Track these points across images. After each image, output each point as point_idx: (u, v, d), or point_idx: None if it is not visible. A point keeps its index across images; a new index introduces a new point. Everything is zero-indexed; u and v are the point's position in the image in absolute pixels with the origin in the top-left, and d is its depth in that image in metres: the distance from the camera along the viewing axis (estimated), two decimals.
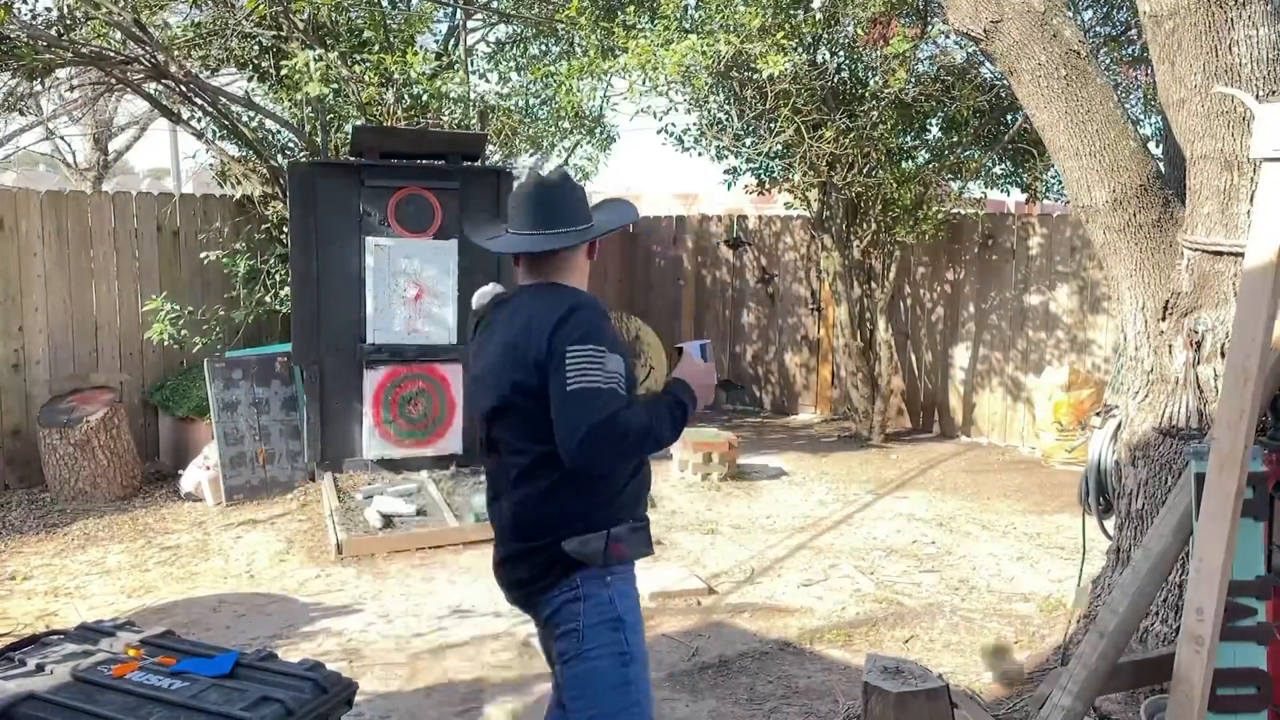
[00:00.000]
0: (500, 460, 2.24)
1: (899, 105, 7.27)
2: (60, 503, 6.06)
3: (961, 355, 8.42)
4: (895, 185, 7.64)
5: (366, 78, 6.62)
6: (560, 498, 2.16)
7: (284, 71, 6.40)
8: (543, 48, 8.55)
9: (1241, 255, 2.85)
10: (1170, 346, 3.34)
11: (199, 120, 7.40)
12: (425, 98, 6.97)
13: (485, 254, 6.60)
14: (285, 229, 6.72)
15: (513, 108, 8.01)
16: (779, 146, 7.49)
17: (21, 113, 8.06)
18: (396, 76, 6.64)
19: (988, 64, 7.04)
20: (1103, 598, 3.66)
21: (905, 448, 7.99)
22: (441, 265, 6.29)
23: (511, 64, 8.31)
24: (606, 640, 2.13)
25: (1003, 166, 8.20)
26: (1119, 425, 3.75)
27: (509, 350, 2.17)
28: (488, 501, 2.33)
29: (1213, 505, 2.51)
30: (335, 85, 6.49)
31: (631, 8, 6.93)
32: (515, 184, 2.13)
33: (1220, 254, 3.17)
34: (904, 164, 7.96)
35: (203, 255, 6.93)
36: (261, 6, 6.58)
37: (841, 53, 7.54)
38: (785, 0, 6.68)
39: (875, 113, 7.18)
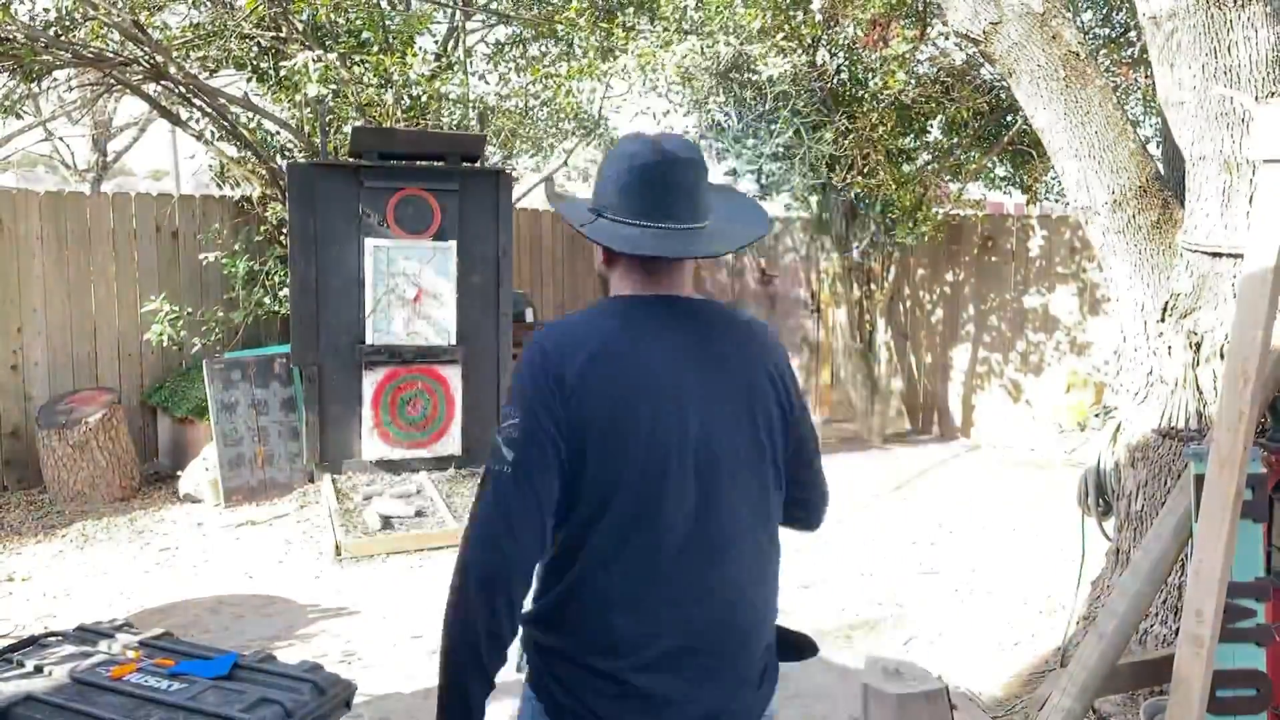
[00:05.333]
0: (746, 532, 1.62)
1: (898, 107, 7.28)
2: (59, 504, 6.05)
3: (961, 357, 8.41)
4: (895, 187, 7.65)
5: (365, 79, 6.62)
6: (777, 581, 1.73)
7: (283, 72, 6.39)
8: (542, 49, 8.55)
9: (1240, 256, 2.85)
10: (1169, 348, 3.34)
11: (198, 121, 7.40)
12: (424, 99, 6.97)
13: (485, 256, 6.63)
14: (284, 230, 6.71)
15: (512, 109, 8.01)
16: (779, 148, 7.49)
17: (19, 116, 8.05)
18: (396, 77, 6.64)
19: (987, 65, 7.04)
20: (1102, 599, 3.66)
21: (905, 449, 7.99)
22: (440, 267, 6.28)
23: (511, 65, 8.31)
24: None
25: (1002, 168, 8.21)
26: (1118, 427, 3.75)
27: (759, 395, 1.64)
28: (695, 600, 1.58)
29: (1212, 507, 2.51)
30: (334, 86, 6.49)
31: (631, 9, 6.93)
32: (635, 150, 1.60)
33: (1219, 255, 3.16)
34: (903, 165, 7.97)
35: (202, 256, 6.92)
36: (260, 7, 6.57)
37: (841, 54, 7.55)
38: (785, 2, 6.68)
39: (875, 114, 7.18)
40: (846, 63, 7.60)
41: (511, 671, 1.62)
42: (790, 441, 1.69)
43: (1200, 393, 3.25)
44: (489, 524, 1.51)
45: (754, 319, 1.75)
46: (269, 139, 7.55)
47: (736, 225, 1.68)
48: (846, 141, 7.20)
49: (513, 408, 1.54)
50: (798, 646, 1.76)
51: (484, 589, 1.50)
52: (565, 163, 9.02)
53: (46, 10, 6.44)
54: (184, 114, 7.52)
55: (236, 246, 7.06)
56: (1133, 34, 7.25)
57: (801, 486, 1.75)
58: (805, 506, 1.79)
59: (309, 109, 6.74)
